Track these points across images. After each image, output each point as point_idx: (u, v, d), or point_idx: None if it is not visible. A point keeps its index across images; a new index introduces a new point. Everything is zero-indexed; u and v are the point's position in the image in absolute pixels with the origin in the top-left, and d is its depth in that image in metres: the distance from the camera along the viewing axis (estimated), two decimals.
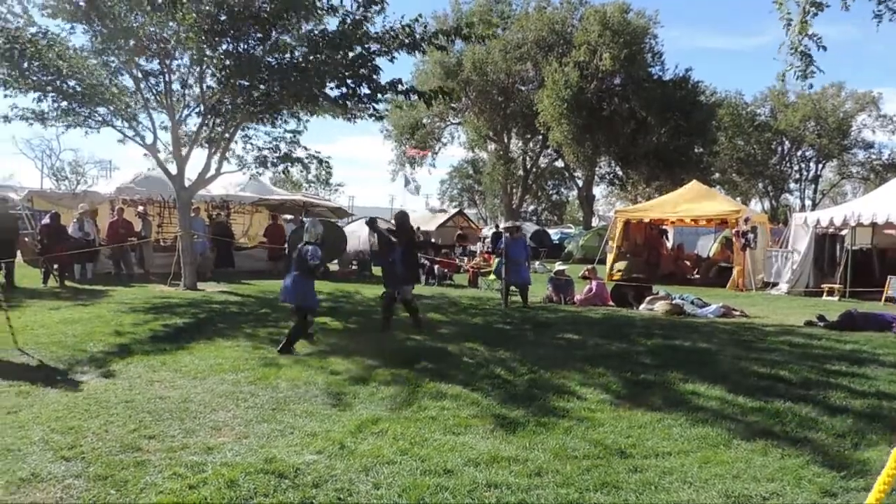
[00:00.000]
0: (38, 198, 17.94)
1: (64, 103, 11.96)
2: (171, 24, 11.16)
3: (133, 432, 4.49)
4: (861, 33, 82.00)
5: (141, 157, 15.95)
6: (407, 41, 11.58)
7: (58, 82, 11.50)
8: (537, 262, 23.02)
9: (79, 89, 11.74)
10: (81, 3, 11.00)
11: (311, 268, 7.39)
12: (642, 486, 3.80)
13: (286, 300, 7.77)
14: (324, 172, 14.16)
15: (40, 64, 11.12)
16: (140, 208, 16.23)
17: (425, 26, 11.74)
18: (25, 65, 11.08)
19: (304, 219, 16.31)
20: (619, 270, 17.31)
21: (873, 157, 46.58)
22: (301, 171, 14.59)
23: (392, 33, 11.48)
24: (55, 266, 13.18)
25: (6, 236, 12.69)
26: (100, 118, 12.64)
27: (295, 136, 13.75)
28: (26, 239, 14.34)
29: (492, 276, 16.17)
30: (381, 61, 11.91)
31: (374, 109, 12.70)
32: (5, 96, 11.70)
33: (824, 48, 6.75)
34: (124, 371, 6.26)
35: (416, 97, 12.36)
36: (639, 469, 4.05)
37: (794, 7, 6.70)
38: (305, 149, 13.70)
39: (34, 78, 11.32)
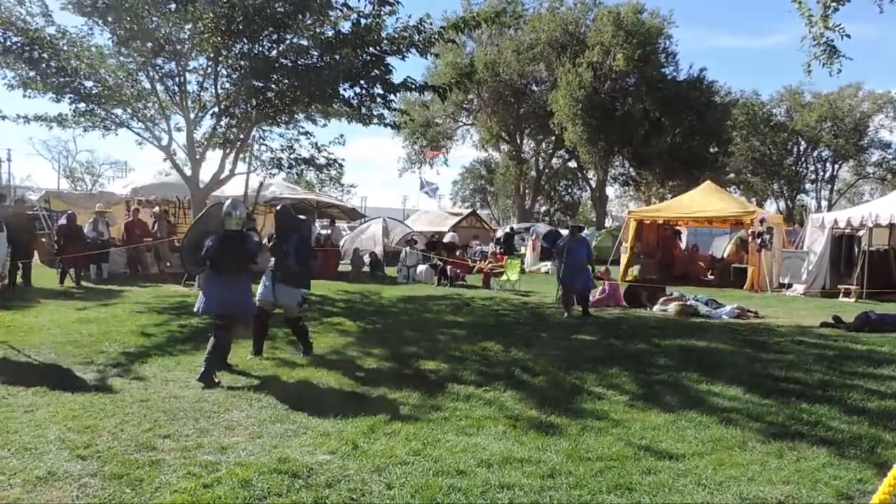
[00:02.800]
0: (54, 198, 18.14)
1: (81, 104, 12.09)
2: (187, 26, 11.24)
3: (148, 431, 4.53)
4: (880, 32, 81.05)
5: (155, 159, 16.12)
6: (417, 40, 11.60)
7: (75, 83, 11.62)
8: (550, 263, 22.99)
9: (95, 90, 11.85)
10: (99, 3, 11.10)
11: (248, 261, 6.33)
12: (656, 488, 3.78)
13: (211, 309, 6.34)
14: (335, 172, 14.25)
15: (58, 65, 11.23)
16: (156, 209, 16.36)
17: (432, 25, 11.72)
18: (44, 66, 11.20)
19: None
20: (632, 275, 17.28)
21: (890, 157, 46.06)
22: (315, 173, 14.67)
23: (405, 34, 11.50)
24: (71, 266, 13.32)
25: (23, 236, 12.85)
26: (117, 119, 12.77)
27: (309, 138, 13.82)
28: (43, 239, 14.50)
29: (504, 277, 16.14)
30: (392, 60, 11.96)
31: (388, 112, 12.74)
32: (24, 96, 11.83)
33: (848, 36, 6.74)
34: (139, 370, 6.31)
35: (432, 92, 12.40)
36: (653, 471, 4.02)
37: (812, 4, 6.69)
38: (319, 150, 13.75)
39: (52, 79, 11.44)
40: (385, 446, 4.32)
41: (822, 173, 48.93)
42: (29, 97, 11.80)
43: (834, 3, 6.66)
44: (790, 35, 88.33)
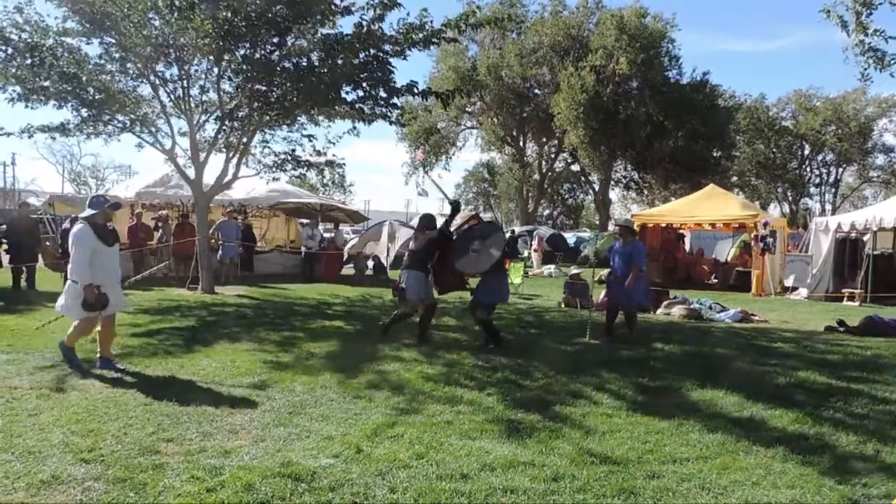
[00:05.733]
0: (59, 202, 18.22)
1: (84, 111, 12.11)
2: (189, 30, 11.28)
3: (151, 435, 4.53)
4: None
5: (160, 163, 16.19)
6: (418, 38, 11.61)
7: (77, 91, 11.65)
8: (553, 266, 22.98)
9: (98, 97, 11.88)
10: (88, 24, 11.15)
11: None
12: (660, 492, 3.77)
13: (501, 300, 8.45)
14: (336, 175, 14.34)
15: (59, 73, 11.26)
16: (162, 212, 16.39)
17: (431, 22, 11.72)
18: (45, 75, 11.24)
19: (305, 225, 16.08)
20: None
21: (894, 161, 45.95)
22: (317, 175, 14.72)
23: (406, 32, 11.51)
24: None
25: (28, 240, 12.89)
26: (119, 125, 12.80)
27: (311, 141, 13.85)
28: (47, 243, 14.54)
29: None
30: (394, 61, 11.98)
31: (392, 111, 12.72)
32: (27, 107, 11.81)
33: (892, 38, 6.85)
34: (143, 374, 6.31)
35: (434, 98, 12.39)
36: (656, 475, 4.01)
37: (842, 10, 6.76)
38: (320, 153, 13.77)
39: (53, 88, 11.47)
40: (388, 450, 4.31)
41: (826, 177, 48.85)
42: (31, 108, 11.81)
43: (865, 10, 6.72)
44: (797, 39, 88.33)
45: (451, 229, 8.47)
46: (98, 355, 6.47)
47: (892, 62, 7.00)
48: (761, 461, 4.28)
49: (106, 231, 6.36)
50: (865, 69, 7.12)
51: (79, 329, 6.37)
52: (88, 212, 6.29)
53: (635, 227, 10.61)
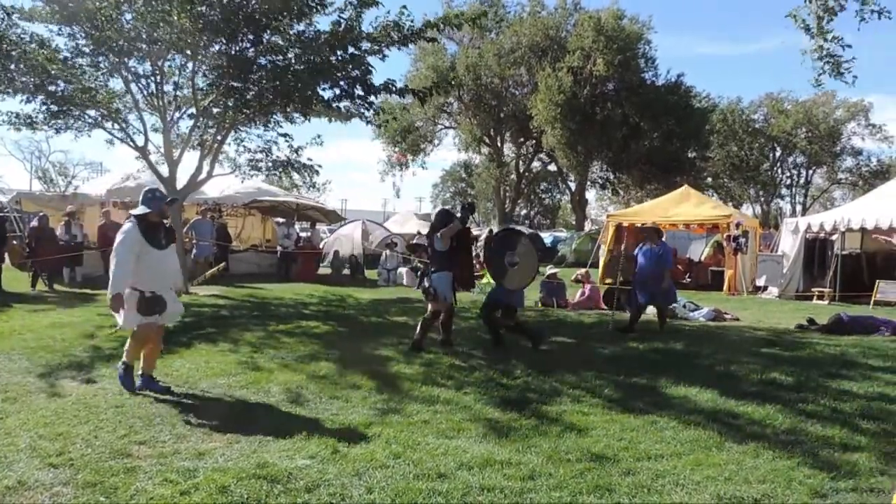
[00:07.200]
0: (26, 200, 17.87)
1: (53, 106, 11.83)
2: (163, 25, 11.09)
3: (123, 438, 4.45)
4: (855, 40, 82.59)
5: (131, 160, 15.84)
6: (397, 37, 11.58)
7: (46, 84, 11.37)
8: None
9: (68, 91, 11.62)
10: (58, 7, 10.90)
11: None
12: (635, 488, 3.81)
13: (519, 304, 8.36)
14: (307, 176, 14.20)
15: (27, 65, 10.99)
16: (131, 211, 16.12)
17: (412, 20, 11.68)
18: (12, 66, 10.96)
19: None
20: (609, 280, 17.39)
21: (862, 163, 47.03)
22: (290, 179, 14.56)
23: (385, 31, 11.46)
24: (43, 270, 13.06)
25: None
26: (90, 120, 12.54)
27: (287, 140, 13.70)
28: (14, 242, 14.21)
29: (484, 280, 16.10)
30: (372, 60, 11.92)
31: (370, 110, 12.65)
32: None
33: (849, 46, 6.97)
34: (114, 376, 6.18)
35: (413, 95, 12.36)
36: (631, 472, 4.05)
37: (805, 14, 6.88)
38: (297, 152, 13.63)
39: (21, 80, 11.19)
40: (365, 450, 4.30)
41: (797, 178, 49.80)
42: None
43: (827, 15, 6.84)
44: (771, 43, 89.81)
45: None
46: (140, 373, 5.67)
47: (846, 70, 7.14)
48: (734, 457, 4.34)
49: (158, 231, 5.57)
50: (820, 74, 7.25)
51: (136, 339, 5.58)
52: (141, 209, 5.50)
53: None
